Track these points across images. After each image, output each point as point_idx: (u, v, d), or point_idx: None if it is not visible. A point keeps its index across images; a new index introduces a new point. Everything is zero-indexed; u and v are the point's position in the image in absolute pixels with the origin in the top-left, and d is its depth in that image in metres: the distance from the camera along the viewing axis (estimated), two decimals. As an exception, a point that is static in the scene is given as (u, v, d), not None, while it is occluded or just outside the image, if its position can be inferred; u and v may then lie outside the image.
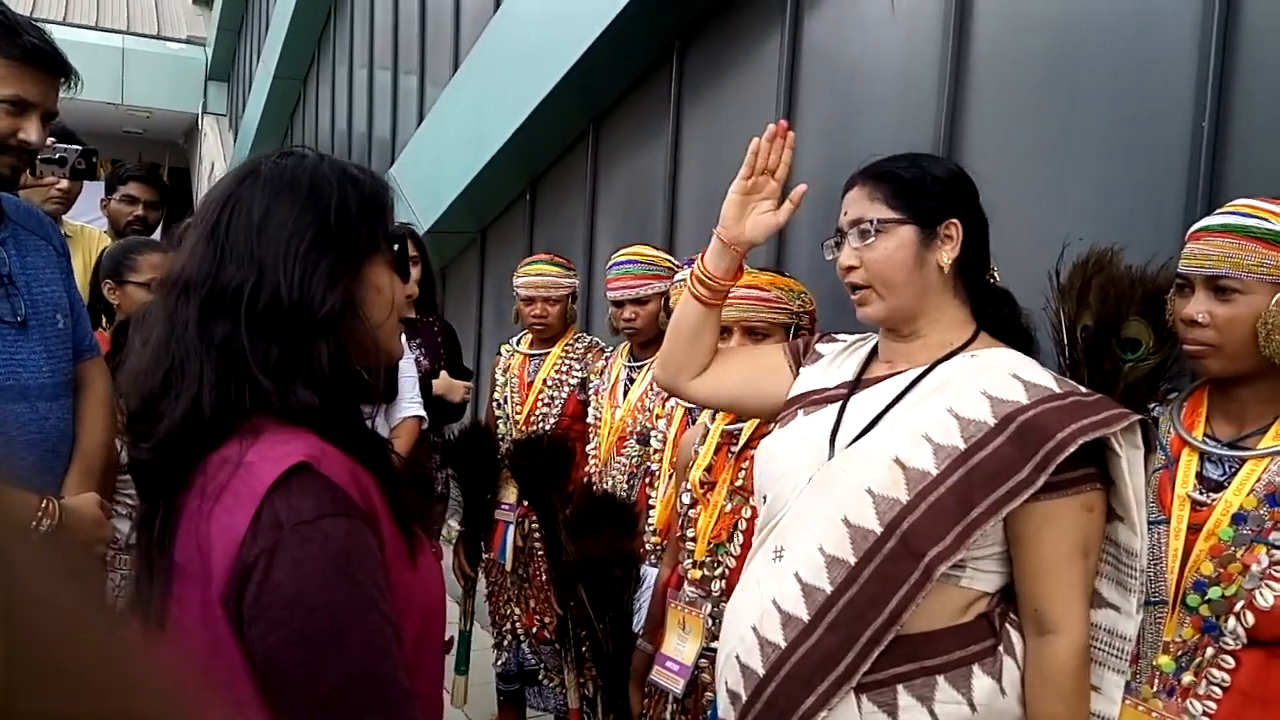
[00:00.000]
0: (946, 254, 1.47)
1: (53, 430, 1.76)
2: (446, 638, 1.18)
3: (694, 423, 2.27)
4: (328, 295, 1.02)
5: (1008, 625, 1.41)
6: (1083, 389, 1.43)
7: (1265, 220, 1.41)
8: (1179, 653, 1.42)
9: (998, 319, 1.53)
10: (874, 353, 1.61)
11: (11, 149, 1.71)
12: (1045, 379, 1.41)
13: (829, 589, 1.39)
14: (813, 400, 1.60)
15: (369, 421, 1.12)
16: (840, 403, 1.54)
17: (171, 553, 1.00)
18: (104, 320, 2.68)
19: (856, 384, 1.56)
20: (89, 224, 3.37)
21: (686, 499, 2.14)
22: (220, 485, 0.97)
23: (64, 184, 2.96)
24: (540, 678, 3.16)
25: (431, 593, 1.11)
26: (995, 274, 1.55)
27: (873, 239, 1.47)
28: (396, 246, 1.13)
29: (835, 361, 1.65)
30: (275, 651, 0.93)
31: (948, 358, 1.48)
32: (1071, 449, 1.30)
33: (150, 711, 0.33)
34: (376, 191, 1.11)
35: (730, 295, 2.05)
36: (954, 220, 1.47)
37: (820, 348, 1.70)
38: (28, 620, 0.29)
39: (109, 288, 2.67)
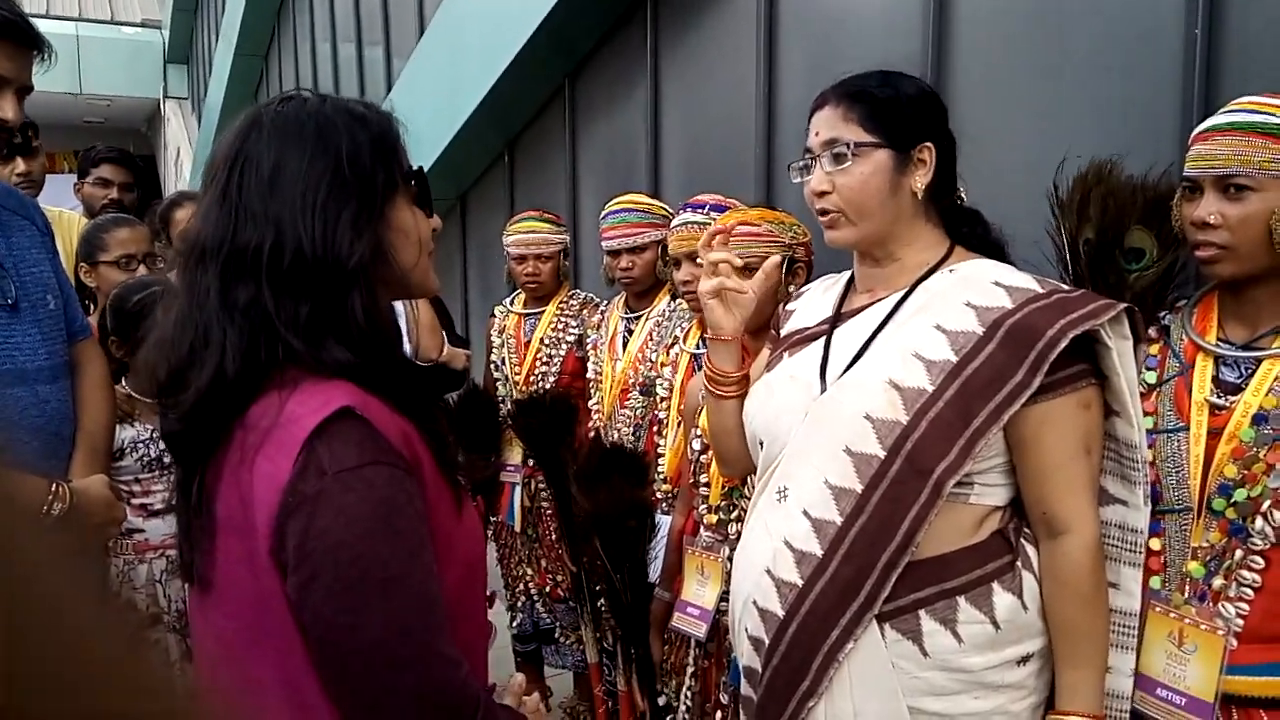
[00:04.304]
0: (920, 179, 1.45)
1: (54, 413, 1.73)
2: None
3: (700, 369, 2.26)
4: (354, 245, 0.99)
5: (1023, 540, 1.41)
6: (1065, 286, 1.42)
7: (1272, 115, 1.38)
8: (1207, 558, 1.42)
9: (972, 237, 1.53)
10: (850, 285, 1.60)
11: None
12: (1027, 281, 1.41)
13: (839, 520, 1.39)
14: (795, 340, 1.59)
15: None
16: (824, 337, 1.53)
17: (213, 509, 0.99)
18: (90, 306, 2.64)
19: (837, 318, 1.55)
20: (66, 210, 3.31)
21: (697, 445, 2.13)
22: (261, 435, 0.95)
23: (22, 166, 2.90)
24: (556, 636, 3.17)
25: (474, 541, 1.10)
26: (963, 194, 1.54)
27: (848, 163, 1.44)
28: (414, 181, 1.10)
29: (810, 303, 1.64)
30: (316, 601, 0.91)
31: (926, 276, 1.47)
32: (1063, 344, 1.31)
33: (156, 711, 0.32)
34: (385, 127, 1.07)
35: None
36: (928, 144, 1.45)
37: (790, 306, 1.69)
38: (35, 615, 0.27)
39: (84, 270, 2.65)
